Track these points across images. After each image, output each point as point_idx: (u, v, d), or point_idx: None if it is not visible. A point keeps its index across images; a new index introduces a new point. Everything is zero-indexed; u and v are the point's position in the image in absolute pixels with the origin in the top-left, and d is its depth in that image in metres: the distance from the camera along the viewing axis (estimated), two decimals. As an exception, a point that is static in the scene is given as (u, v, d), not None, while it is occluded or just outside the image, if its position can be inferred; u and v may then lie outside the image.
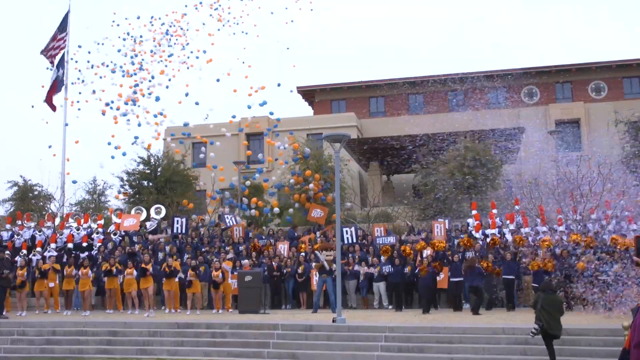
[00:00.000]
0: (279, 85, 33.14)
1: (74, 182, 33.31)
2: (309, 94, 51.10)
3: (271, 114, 33.65)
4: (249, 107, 31.88)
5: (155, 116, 31.90)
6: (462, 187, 28.07)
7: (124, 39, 34.01)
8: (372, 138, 38.51)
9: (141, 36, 34.19)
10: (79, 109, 34.92)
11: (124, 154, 31.58)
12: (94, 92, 32.88)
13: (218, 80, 32.85)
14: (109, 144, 31.08)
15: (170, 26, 34.33)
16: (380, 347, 15.19)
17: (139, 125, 32.08)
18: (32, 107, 34.12)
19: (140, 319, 19.13)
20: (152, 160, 32.79)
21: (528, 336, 13.49)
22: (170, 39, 34.07)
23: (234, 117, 35.09)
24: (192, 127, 33.62)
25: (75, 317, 20.30)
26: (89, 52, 34.71)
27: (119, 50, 33.66)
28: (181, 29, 34.23)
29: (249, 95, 31.93)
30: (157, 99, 32.38)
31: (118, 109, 31.96)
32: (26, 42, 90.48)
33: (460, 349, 14.71)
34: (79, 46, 36.02)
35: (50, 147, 32.56)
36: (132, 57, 33.43)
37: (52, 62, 35.74)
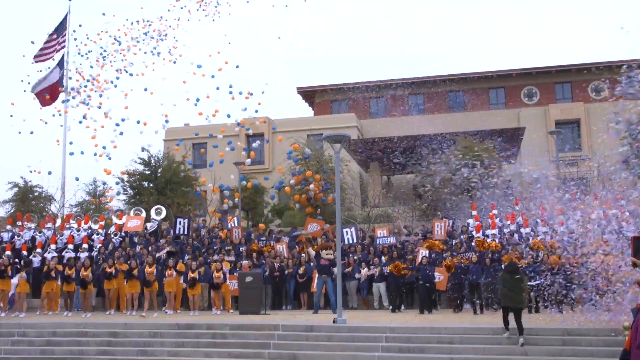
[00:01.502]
0: (237, 67, 33.69)
1: (77, 179, 33.81)
2: (309, 94, 51.15)
3: (229, 116, 34.05)
4: (245, 109, 32.26)
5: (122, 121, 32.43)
6: (462, 188, 28.08)
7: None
8: (372, 139, 38.53)
9: (116, 38, 34.83)
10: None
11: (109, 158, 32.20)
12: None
13: (175, 62, 33.54)
14: (72, 152, 31.71)
15: (150, 24, 34.86)
16: (381, 348, 15.18)
17: (84, 118, 33.77)
18: (12, 104, 34.31)
19: (140, 320, 19.14)
20: (152, 161, 32.82)
21: (530, 336, 13.57)
22: (147, 33, 34.64)
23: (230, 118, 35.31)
24: (192, 127, 33.78)
25: (76, 318, 20.29)
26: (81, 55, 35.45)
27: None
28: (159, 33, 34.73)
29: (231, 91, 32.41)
30: (116, 84, 33.00)
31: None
32: (25, 43, 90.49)
33: (461, 349, 14.71)
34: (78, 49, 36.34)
35: (29, 167, 33.30)
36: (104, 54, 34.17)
37: (46, 60, 35.83)
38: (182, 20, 35.09)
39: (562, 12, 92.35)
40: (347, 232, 23.34)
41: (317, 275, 21.20)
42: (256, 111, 33.51)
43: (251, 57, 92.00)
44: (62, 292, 22.00)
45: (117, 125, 32.56)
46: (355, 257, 22.72)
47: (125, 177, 32.32)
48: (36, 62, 35.90)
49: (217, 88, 32.70)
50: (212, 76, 32.61)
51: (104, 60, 34.66)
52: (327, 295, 20.85)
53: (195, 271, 21.13)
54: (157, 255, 22.76)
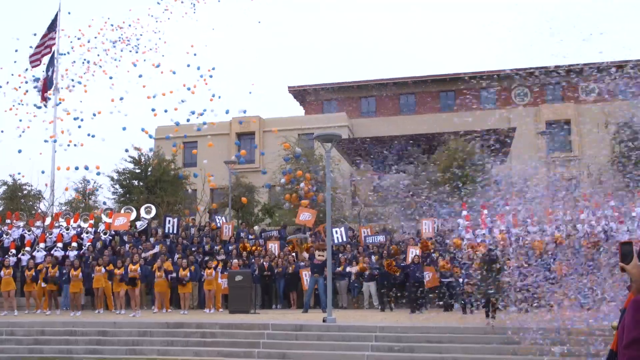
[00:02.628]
0: (194, 54, 33.87)
1: (43, 172, 34.09)
2: (300, 93, 51.11)
3: (186, 105, 34.02)
4: (217, 95, 32.40)
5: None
6: (452, 187, 28.09)
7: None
8: (363, 138, 38.52)
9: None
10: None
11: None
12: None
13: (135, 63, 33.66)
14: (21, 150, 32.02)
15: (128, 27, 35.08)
16: (371, 347, 15.18)
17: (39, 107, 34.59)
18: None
19: (130, 319, 19.08)
20: (142, 160, 32.72)
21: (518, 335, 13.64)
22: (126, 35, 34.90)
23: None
24: (181, 126, 33.75)
25: (65, 317, 20.22)
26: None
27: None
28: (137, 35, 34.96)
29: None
30: (74, 86, 33.50)
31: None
32: (13, 41, 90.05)
33: (451, 348, 14.73)
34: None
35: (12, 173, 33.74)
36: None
37: (39, 62, 35.76)
38: (162, 20, 35.16)
39: (554, 13, 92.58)
40: (336, 231, 23.38)
41: (305, 274, 21.22)
42: (227, 112, 33.48)
43: (242, 56, 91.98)
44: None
45: (75, 119, 32.96)
46: (345, 257, 22.74)
47: (115, 175, 32.26)
48: (33, 67, 35.96)
49: (189, 65, 32.94)
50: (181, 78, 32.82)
51: (66, 54, 35.27)
52: (317, 294, 20.86)
53: (186, 269, 21.05)
54: (144, 255, 22.69)
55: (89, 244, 24.26)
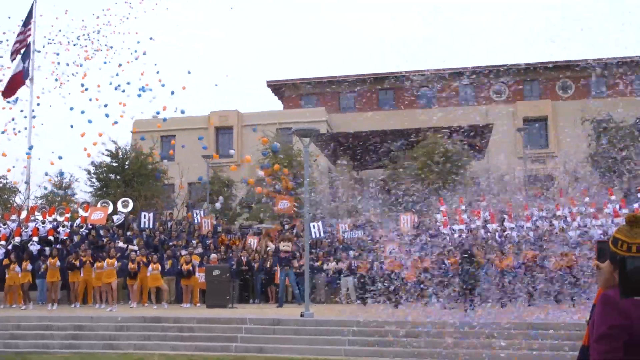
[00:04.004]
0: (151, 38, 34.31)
1: None
2: (278, 88, 51.00)
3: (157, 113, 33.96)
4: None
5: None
6: (430, 183, 28.27)
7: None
8: (341, 133, 38.58)
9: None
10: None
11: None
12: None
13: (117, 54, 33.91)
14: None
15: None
16: (348, 342, 15.23)
17: None
18: None
19: (106, 313, 18.99)
20: (119, 154, 32.53)
21: (496, 330, 13.82)
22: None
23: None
24: (161, 119, 33.67)
25: (40, 311, 20.06)
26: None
27: None
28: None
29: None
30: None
31: None
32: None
33: (429, 342, 14.80)
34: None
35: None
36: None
37: (17, 54, 35.44)
38: (129, 16, 35.37)
39: (537, 13, 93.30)
40: (314, 226, 23.40)
41: (279, 268, 21.27)
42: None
43: (222, 49, 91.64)
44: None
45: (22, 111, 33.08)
46: (322, 251, 22.79)
47: (92, 169, 32.03)
48: (13, 59, 35.68)
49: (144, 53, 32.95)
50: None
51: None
52: (291, 287, 20.94)
53: (156, 263, 21.00)
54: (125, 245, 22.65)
55: (65, 237, 24.11)
